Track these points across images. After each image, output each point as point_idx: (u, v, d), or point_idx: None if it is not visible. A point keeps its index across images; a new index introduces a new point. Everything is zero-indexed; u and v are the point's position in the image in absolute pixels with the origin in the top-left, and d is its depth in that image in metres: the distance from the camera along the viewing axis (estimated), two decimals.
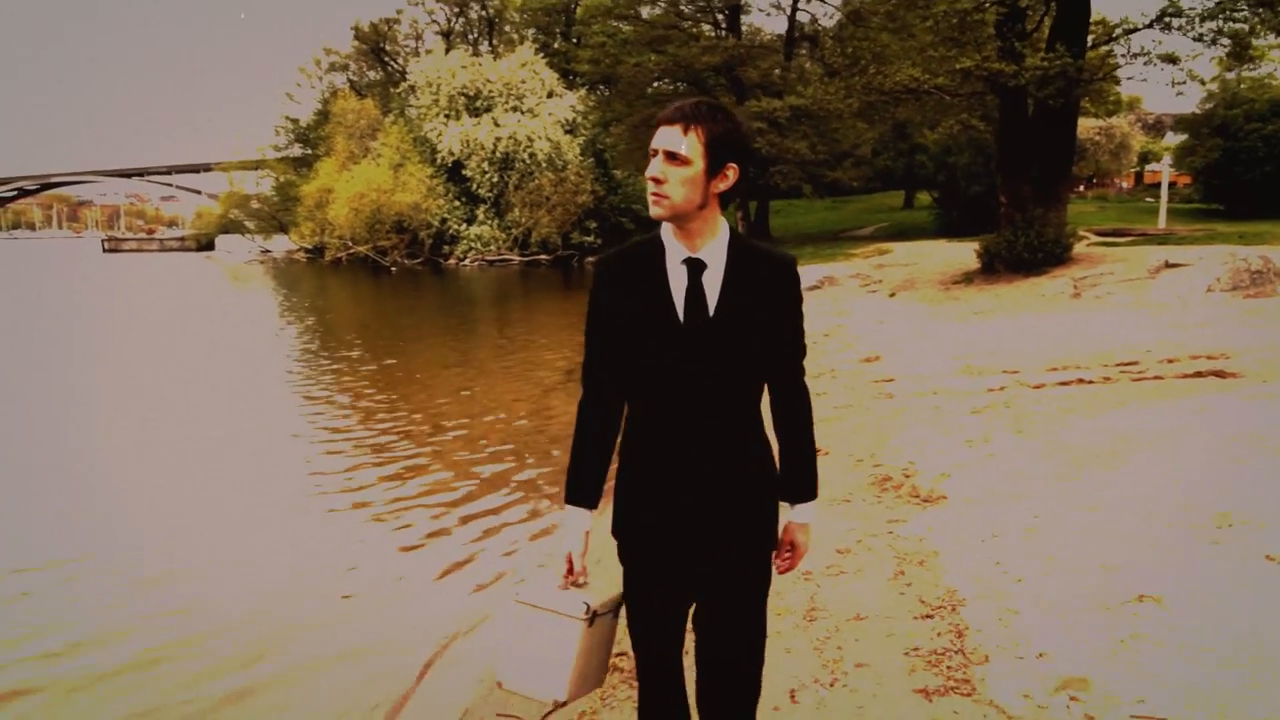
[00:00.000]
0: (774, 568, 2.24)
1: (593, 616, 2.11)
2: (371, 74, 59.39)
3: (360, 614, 4.37)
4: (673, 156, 1.99)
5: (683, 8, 38.84)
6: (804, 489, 2.23)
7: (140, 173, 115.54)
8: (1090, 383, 7.37)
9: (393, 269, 40.72)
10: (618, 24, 39.47)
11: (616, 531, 2.21)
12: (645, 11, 39.49)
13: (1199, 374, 7.23)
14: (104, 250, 75.78)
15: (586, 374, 2.18)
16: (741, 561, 2.13)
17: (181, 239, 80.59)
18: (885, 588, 3.83)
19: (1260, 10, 13.03)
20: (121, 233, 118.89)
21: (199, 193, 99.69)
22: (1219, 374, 7.14)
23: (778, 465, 2.20)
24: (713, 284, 2.05)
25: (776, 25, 41.65)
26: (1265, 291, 12.29)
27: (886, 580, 3.90)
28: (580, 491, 2.18)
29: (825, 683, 3.07)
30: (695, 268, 2.05)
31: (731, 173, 2.03)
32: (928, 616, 3.52)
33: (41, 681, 3.75)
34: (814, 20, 39.59)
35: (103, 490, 6.61)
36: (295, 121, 58.09)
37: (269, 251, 55.34)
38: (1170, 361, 7.87)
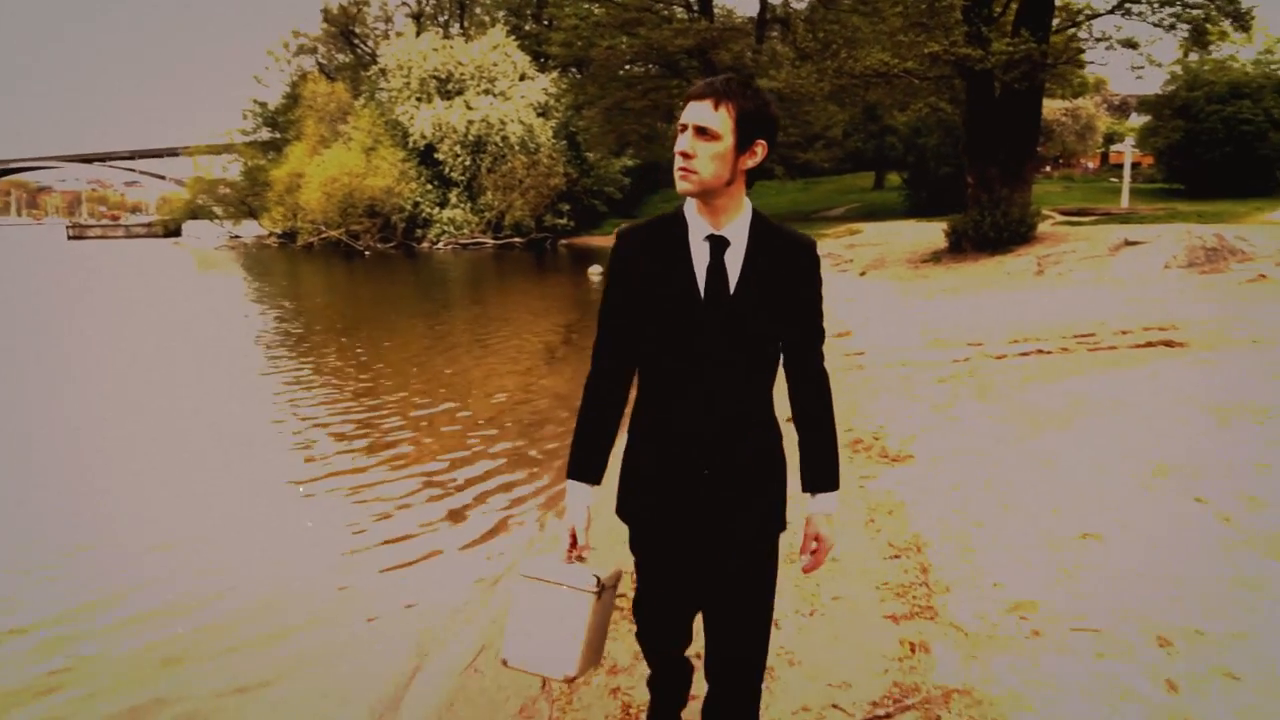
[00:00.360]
0: (800, 564, 2.21)
1: (601, 589, 2.10)
2: (341, 57, 58.88)
3: (355, 604, 4.32)
4: (703, 131, 1.97)
5: None
6: (825, 477, 2.18)
7: (102, 158, 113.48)
8: (1049, 353, 7.81)
9: (366, 253, 40.66)
10: (589, 6, 39.49)
11: (621, 513, 2.19)
12: None
13: (1150, 344, 7.68)
14: (69, 237, 74.56)
15: (598, 347, 2.17)
16: (747, 546, 2.11)
17: (148, 225, 79.44)
18: (858, 534, 4.20)
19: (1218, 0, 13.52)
20: (85, 219, 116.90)
21: (163, 178, 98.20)
22: (1168, 343, 7.60)
23: (791, 453, 2.18)
24: (734, 262, 2.04)
25: (748, 8, 41.84)
26: (1219, 268, 12.82)
27: (859, 527, 4.28)
28: (583, 466, 2.17)
29: (805, 613, 3.43)
30: (718, 245, 2.04)
31: (760, 150, 2.01)
32: (895, 557, 3.89)
33: (36, 680, 3.68)
34: (785, 3, 39.83)
35: (88, 479, 6.54)
36: (263, 105, 57.52)
37: (238, 237, 54.88)
38: (1124, 333, 8.32)
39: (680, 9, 39.34)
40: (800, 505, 2.21)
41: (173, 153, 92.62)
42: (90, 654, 3.88)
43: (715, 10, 39.98)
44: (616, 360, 2.15)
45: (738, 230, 2.05)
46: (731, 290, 2.03)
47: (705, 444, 2.05)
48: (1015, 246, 15.60)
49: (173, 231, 67.97)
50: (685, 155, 1.98)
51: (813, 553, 2.18)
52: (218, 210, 55.64)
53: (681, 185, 2.01)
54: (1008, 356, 7.86)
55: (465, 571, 4.71)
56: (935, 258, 16.72)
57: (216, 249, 49.17)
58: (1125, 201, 27.91)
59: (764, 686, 2.15)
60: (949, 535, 4.03)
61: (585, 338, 13.56)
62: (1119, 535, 3.75)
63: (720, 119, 1.96)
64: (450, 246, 42.42)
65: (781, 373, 2.17)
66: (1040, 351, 7.91)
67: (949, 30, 14.19)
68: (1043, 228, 16.92)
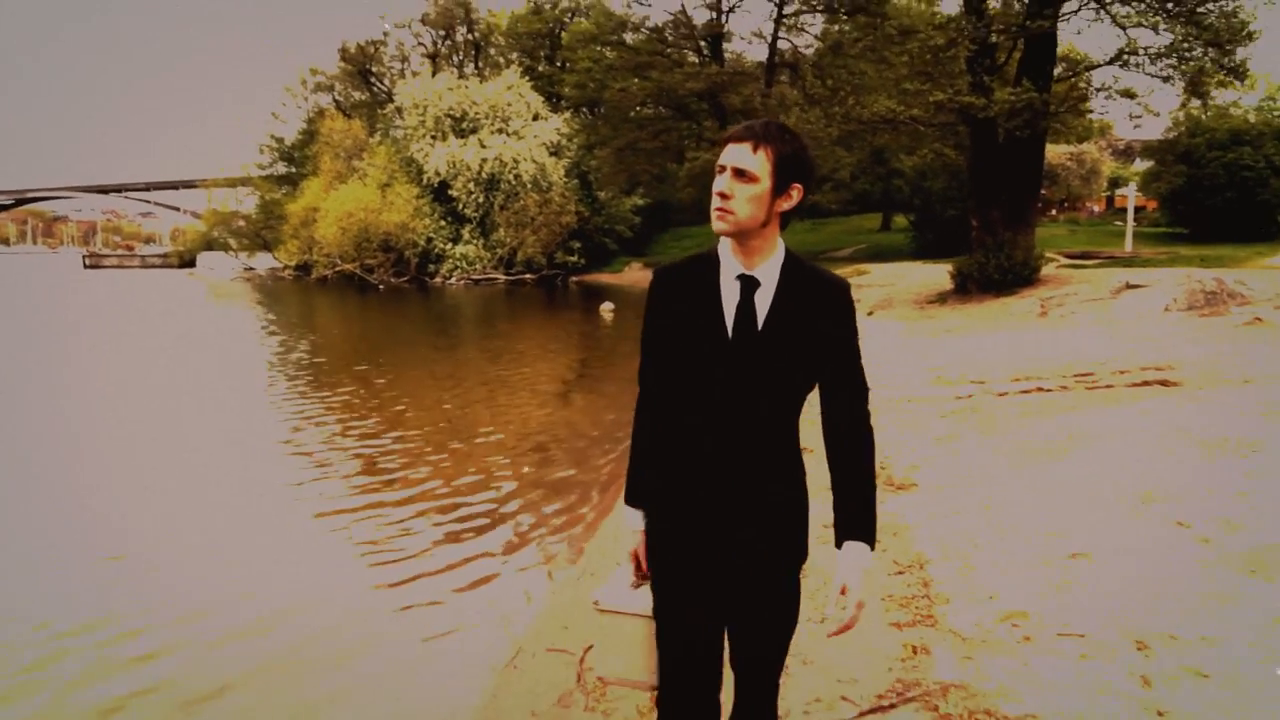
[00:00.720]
0: (831, 622, 2.19)
1: None
2: (357, 95, 60.05)
3: (421, 625, 4.49)
4: (741, 174, 2.02)
5: (666, 35, 39.87)
6: (857, 525, 2.11)
7: (119, 189, 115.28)
8: (1049, 390, 8.14)
9: (380, 286, 41.26)
10: (602, 49, 40.43)
11: (649, 541, 2.23)
12: (629, 38, 40.48)
13: (1146, 383, 8.00)
14: (85, 266, 75.70)
15: (642, 378, 2.24)
16: (765, 588, 2.12)
17: (164, 255, 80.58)
18: None
19: (1210, 50, 14.03)
20: (99, 249, 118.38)
21: (178, 209, 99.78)
22: (1164, 383, 7.93)
23: (815, 496, 2.18)
24: (764, 301, 2.07)
25: (758, 53, 42.65)
26: (1218, 310, 13.17)
27: None
28: (639, 491, 2.24)
29: (816, 620, 3.75)
30: (748, 284, 2.07)
31: (796, 193, 2.06)
32: (900, 573, 4.21)
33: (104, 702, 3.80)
34: (794, 49, 40.73)
35: (132, 506, 6.75)
36: (280, 140, 58.61)
37: (252, 269, 55.62)
38: (1122, 373, 8.65)
39: (691, 53, 40.23)
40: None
41: (189, 185, 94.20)
42: (158, 678, 4.01)
43: (725, 55, 40.86)
44: (658, 390, 2.20)
45: (769, 270, 2.08)
46: (759, 328, 2.06)
47: (728, 480, 2.07)
48: (1019, 288, 15.99)
49: (187, 262, 68.89)
50: (723, 196, 2.03)
51: (842, 609, 2.09)
52: (232, 242, 56.50)
53: (718, 225, 2.05)
54: (1009, 394, 8.19)
55: (510, 590, 4.96)
56: (941, 299, 17.11)
57: (232, 280, 49.90)
58: (1129, 245, 28.33)
59: (780, 682, 2.30)
60: (949, 554, 4.34)
61: (602, 369, 13.94)
62: (1106, 555, 4.06)
63: (759, 162, 2.01)
64: (463, 282, 43.00)
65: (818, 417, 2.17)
66: (1040, 389, 8.24)
67: (953, 79, 14.75)
68: (1047, 270, 17.34)
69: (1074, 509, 4.74)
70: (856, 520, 2.11)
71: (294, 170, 55.15)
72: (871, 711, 3.01)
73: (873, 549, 2.12)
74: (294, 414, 10.00)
